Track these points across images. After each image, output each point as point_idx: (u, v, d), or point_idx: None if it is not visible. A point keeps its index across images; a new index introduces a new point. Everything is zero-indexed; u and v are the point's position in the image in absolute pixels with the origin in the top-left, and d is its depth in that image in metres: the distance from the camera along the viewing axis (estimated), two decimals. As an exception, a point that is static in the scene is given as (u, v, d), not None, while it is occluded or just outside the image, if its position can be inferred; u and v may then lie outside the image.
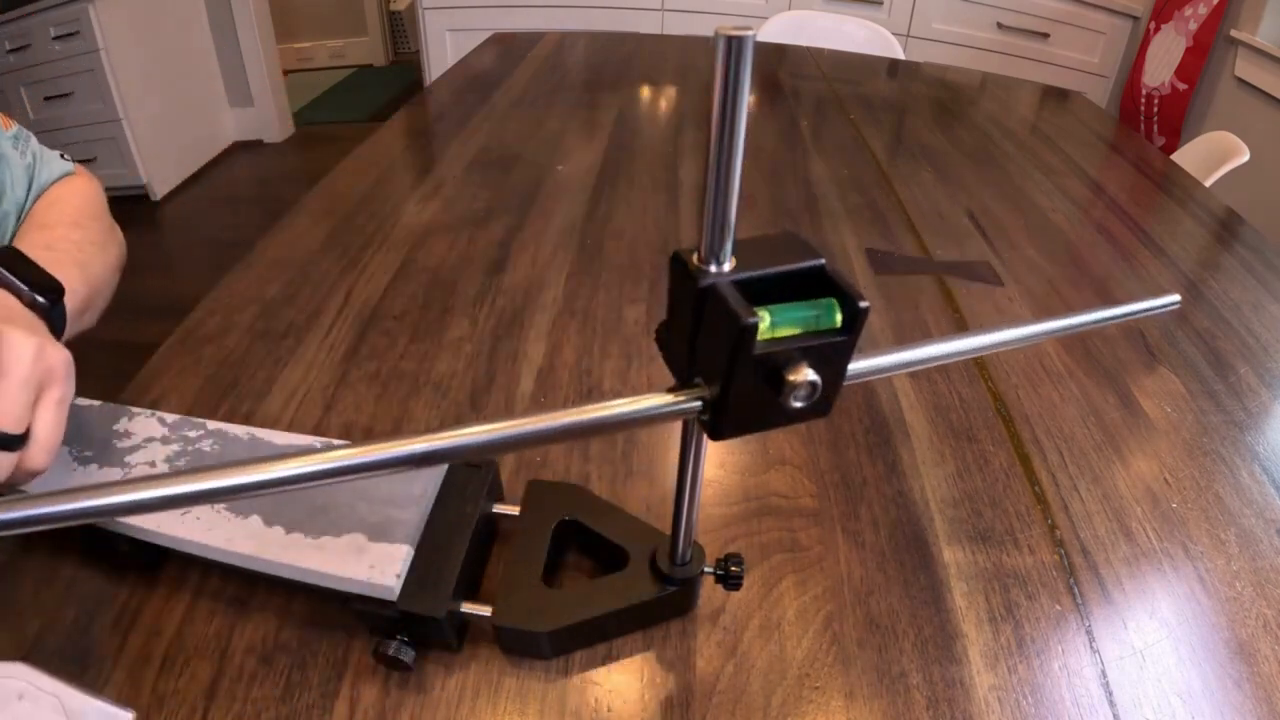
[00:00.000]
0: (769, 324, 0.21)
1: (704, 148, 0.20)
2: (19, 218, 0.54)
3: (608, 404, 0.22)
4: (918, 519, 0.45)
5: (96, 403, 0.42)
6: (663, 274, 0.70)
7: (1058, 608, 0.40)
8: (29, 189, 0.55)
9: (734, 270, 0.22)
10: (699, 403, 0.23)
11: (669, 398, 0.23)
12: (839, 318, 0.22)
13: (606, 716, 0.34)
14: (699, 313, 0.22)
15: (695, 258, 0.22)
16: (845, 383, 0.24)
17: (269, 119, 3.00)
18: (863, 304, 0.21)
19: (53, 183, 0.57)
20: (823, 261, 0.22)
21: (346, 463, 0.20)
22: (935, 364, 0.25)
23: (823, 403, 0.23)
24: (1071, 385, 0.57)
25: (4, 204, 0.52)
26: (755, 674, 0.36)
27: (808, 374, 0.21)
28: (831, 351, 0.22)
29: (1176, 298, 0.27)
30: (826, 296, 0.22)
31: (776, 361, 0.21)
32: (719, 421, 0.23)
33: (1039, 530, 0.45)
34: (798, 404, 0.22)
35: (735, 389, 0.22)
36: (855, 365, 0.24)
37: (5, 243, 0.52)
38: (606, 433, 0.24)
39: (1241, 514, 0.47)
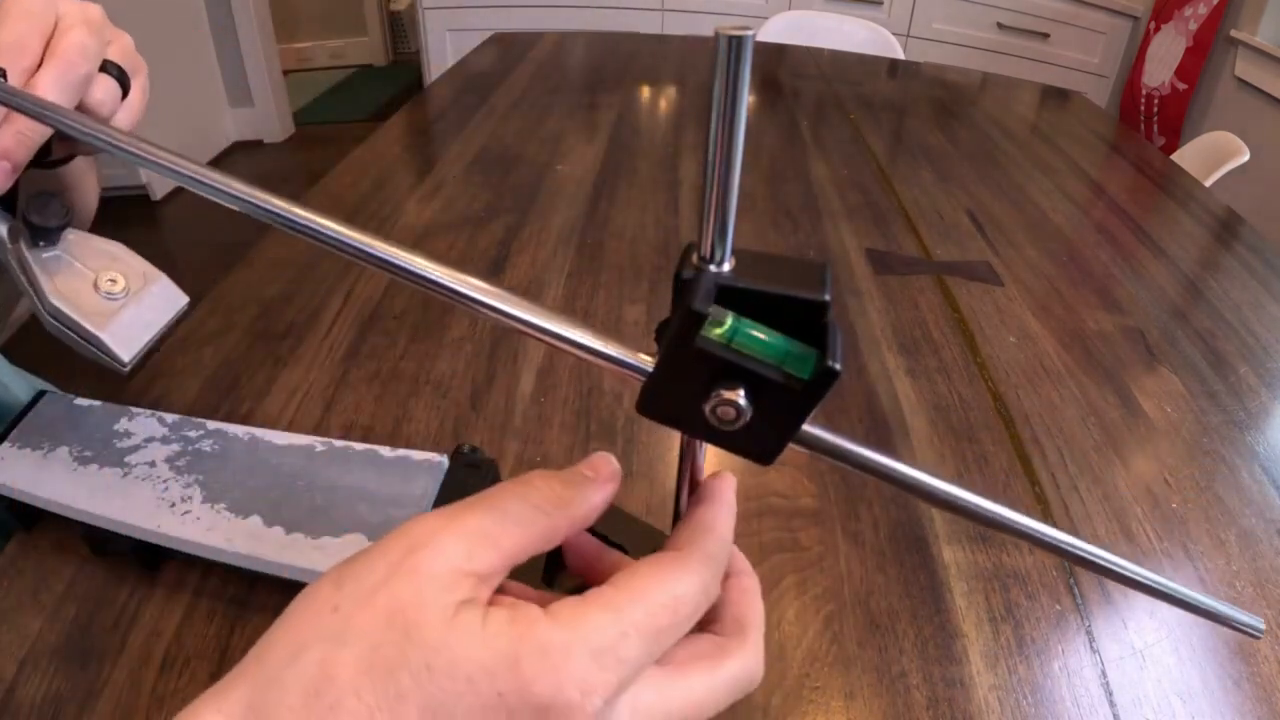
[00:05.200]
0: (727, 330, 0.21)
1: (704, 147, 0.20)
2: None
3: (576, 326, 0.23)
4: (918, 519, 0.45)
5: (97, 403, 0.42)
6: (662, 274, 0.70)
7: (1058, 608, 0.40)
8: None
9: (729, 275, 0.22)
10: (646, 369, 0.23)
11: (626, 350, 0.23)
12: (808, 367, 0.20)
13: (606, 716, 0.34)
14: (675, 299, 0.22)
15: (696, 256, 0.22)
16: (813, 450, 0.22)
17: (269, 119, 3.00)
18: (834, 365, 0.19)
19: None
20: (825, 299, 0.21)
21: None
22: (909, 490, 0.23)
23: (759, 445, 0.22)
24: (1071, 385, 0.57)
25: None
26: (755, 674, 0.36)
27: (737, 395, 0.20)
28: (780, 394, 0.20)
29: (1260, 625, 0.24)
30: (815, 342, 0.21)
31: (716, 367, 0.21)
32: (644, 394, 0.23)
33: (1039, 530, 0.45)
34: (713, 419, 0.21)
35: (670, 372, 0.22)
36: (827, 439, 0.22)
37: None
38: (560, 348, 0.24)
39: (1241, 514, 0.47)
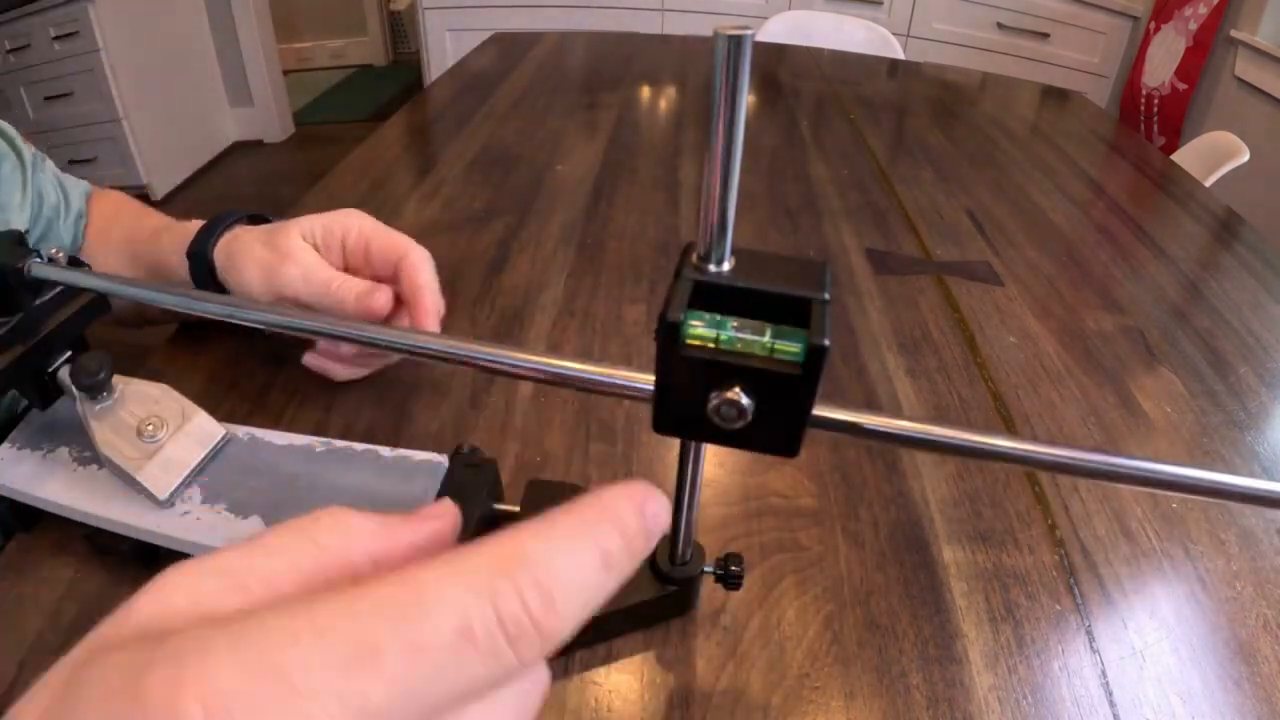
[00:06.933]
0: (710, 331, 0.21)
1: (704, 147, 0.20)
2: (76, 221, 0.58)
3: (578, 362, 0.23)
4: (918, 519, 0.45)
5: (96, 403, 0.42)
6: (662, 274, 0.70)
7: (1058, 608, 0.40)
8: (65, 198, 0.58)
9: (728, 275, 0.22)
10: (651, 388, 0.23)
11: (632, 374, 0.23)
12: (797, 350, 0.20)
13: (606, 716, 0.34)
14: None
15: (695, 255, 0.22)
16: (834, 433, 0.22)
17: (269, 119, 3.00)
18: (821, 342, 0.20)
19: (90, 194, 0.61)
20: (824, 297, 0.21)
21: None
22: (938, 451, 0.23)
23: (776, 438, 0.22)
24: (1071, 385, 0.57)
25: (44, 209, 0.56)
26: (755, 674, 0.36)
27: (737, 395, 0.20)
28: (778, 383, 0.21)
29: None
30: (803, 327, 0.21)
31: (708, 371, 0.21)
32: (655, 411, 0.23)
33: (1039, 530, 0.45)
34: (720, 420, 0.21)
35: (667, 385, 0.22)
36: (838, 415, 0.22)
37: (74, 246, 0.58)
38: (570, 387, 0.24)
39: (1241, 514, 0.47)
